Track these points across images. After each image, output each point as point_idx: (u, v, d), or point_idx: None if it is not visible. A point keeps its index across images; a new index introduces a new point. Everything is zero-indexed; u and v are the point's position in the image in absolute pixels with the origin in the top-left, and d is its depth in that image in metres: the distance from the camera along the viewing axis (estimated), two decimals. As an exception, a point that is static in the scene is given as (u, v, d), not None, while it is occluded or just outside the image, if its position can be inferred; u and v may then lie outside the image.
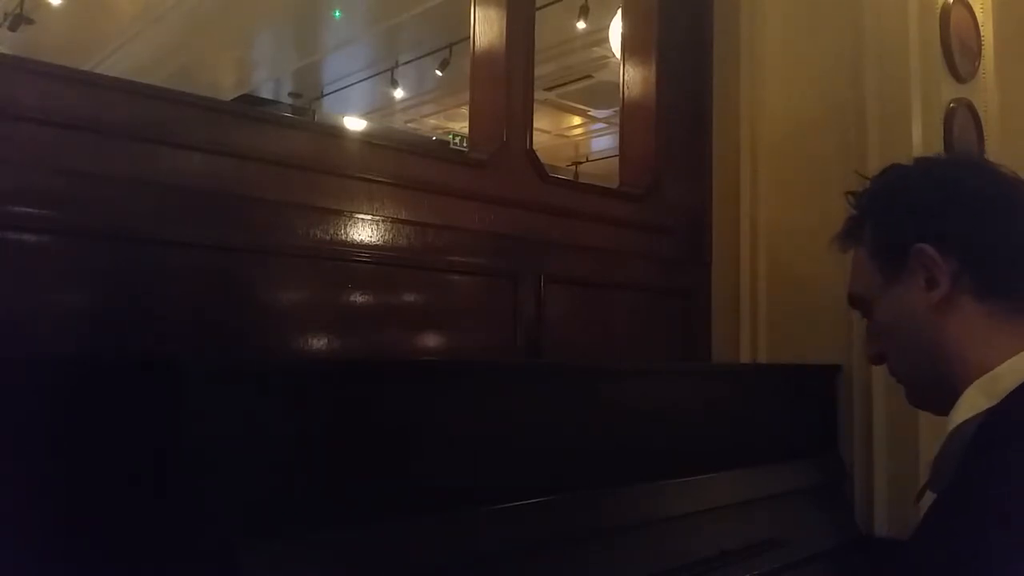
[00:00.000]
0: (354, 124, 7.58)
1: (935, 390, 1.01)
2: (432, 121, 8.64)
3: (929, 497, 0.96)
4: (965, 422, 0.94)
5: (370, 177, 1.71)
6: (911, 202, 1.03)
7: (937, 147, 2.08)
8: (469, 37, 2.07)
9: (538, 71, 2.17)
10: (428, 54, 6.65)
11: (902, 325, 1.03)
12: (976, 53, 2.27)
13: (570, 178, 6.64)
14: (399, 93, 7.51)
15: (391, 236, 1.71)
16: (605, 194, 2.30)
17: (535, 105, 2.10)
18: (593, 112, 8.16)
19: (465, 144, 2.59)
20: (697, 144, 2.39)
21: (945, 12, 2.14)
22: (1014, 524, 0.80)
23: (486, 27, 2.03)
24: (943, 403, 0.99)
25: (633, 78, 2.40)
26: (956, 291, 0.98)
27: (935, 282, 0.99)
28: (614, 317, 2.13)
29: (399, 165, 1.78)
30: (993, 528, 0.81)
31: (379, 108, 8.23)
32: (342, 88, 7.75)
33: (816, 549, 1.74)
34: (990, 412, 0.92)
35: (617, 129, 3.01)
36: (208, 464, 0.95)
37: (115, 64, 6.32)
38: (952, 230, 0.99)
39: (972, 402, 0.95)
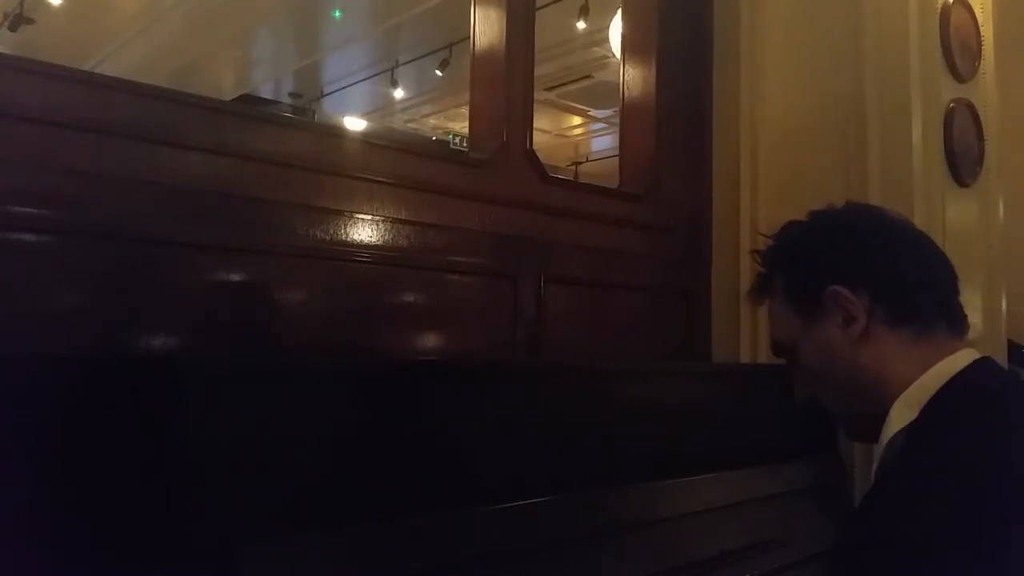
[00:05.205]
0: (354, 124, 7.59)
1: (869, 419, 1.06)
2: (432, 121, 8.65)
3: None
4: (895, 435, 0.99)
5: (370, 177, 1.71)
6: (818, 249, 1.11)
7: (937, 147, 2.08)
8: (469, 37, 2.07)
9: (538, 71, 2.17)
10: (428, 54, 6.66)
11: (827, 363, 1.09)
12: (976, 53, 2.27)
13: (570, 178, 6.65)
14: (399, 93, 7.52)
15: (391, 236, 1.71)
16: (605, 194, 2.30)
17: (535, 105, 2.10)
18: (593, 112, 8.17)
19: (465, 144, 2.59)
20: (697, 144, 2.39)
21: (945, 12, 2.14)
22: (905, 543, 0.87)
23: (486, 27, 2.03)
24: (878, 432, 1.04)
25: (633, 78, 2.40)
26: (872, 323, 1.05)
27: (852, 319, 1.05)
28: (614, 317, 2.13)
29: (399, 165, 1.78)
30: (878, 549, 0.89)
31: (379, 108, 8.25)
32: (342, 88, 7.76)
33: (816, 549, 1.73)
34: (913, 422, 0.98)
35: (617, 129, 3.01)
36: (208, 464, 0.95)
37: (115, 64, 6.33)
38: (860, 269, 1.06)
39: (899, 415, 1.00)
